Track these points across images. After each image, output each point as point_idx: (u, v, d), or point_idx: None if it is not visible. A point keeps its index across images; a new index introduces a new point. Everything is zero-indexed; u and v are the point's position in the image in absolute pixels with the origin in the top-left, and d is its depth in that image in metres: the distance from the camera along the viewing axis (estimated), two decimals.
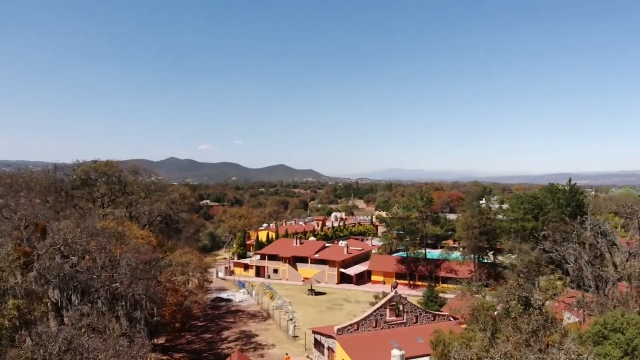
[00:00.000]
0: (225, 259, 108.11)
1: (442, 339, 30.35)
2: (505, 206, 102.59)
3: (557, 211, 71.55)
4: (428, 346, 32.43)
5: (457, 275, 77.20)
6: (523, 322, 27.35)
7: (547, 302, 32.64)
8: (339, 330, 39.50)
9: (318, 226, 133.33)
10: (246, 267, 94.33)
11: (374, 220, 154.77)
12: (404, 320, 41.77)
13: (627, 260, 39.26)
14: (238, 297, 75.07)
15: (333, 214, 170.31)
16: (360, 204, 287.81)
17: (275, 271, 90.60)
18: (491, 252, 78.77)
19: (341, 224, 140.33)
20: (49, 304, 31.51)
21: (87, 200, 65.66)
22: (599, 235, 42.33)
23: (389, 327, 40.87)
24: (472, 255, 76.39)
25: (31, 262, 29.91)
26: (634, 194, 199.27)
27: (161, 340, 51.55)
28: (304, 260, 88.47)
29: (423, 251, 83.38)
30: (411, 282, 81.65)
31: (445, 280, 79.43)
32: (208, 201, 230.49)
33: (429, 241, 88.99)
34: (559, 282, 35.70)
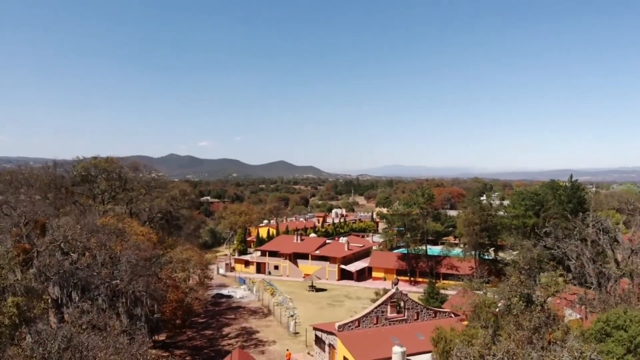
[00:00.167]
0: (226, 255, 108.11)
1: (443, 336, 30.24)
2: (506, 202, 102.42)
3: (558, 207, 71.38)
4: (429, 343, 32.35)
5: (458, 271, 77.21)
6: (525, 319, 27.24)
7: (549, 299, 32.50)
8: (340, 327, 39.42)
9: (319, 223, 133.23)
10: (247, 263, 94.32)
11: (374, 216, 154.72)
12: (405, 317, 41.69)
13: (629, 257, 39.12)
14: (239, 293, 75.06)
15: (334, 211, 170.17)
16: (361, 200, 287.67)
17: (276, 267, 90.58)
18: (492, 249, 78.63)
19: (342, 220, 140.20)
20: (49, 301, 31.43)
21: (87, 197, 65.57)
22: (601, 232, 42.13)
23: (390, 324, 40.79)
24: (473, 252, 76.25)
25: (31, 259, 29.80)
26: (634, 190, 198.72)
27: (162, 337, 51.54)
28: (304, 256, 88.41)
29: (424, 248, 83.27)
30: (412, 279, 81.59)
31: (446, 276, 79.40)
32: (208, 197, 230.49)
33: (430, 237, 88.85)
34: (560, 279, 35.58)
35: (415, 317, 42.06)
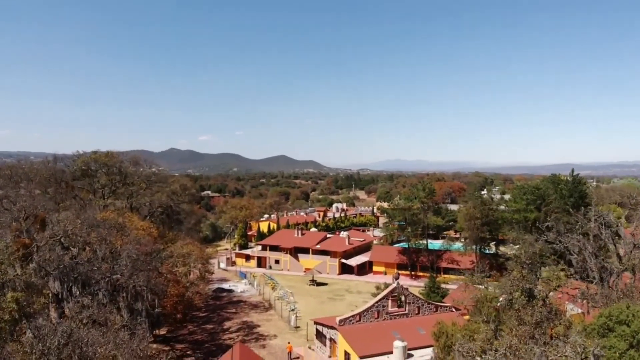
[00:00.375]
0: (226, 249, 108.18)
1: (444, 331, 30.16)
2: (507, 197, 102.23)
3: (559, 202, 71.18)
4: (430, 337, 32.28)
5: (458, 266, 77.13)
6: (527, 314, 27.13)
7: (551, 294, 32.39)
8: (340, 321, 39.39)
9: (319, 217, 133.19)
10: (248, 257, 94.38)
11: (375, 211, 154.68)
12: (406, 312, 41.65)
13: (631, 252, 38.96)
14: (240, 287, 75.12)
15: (334, 205, 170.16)
16: (362, 194, 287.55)
17: (277, 262, 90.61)
18: (493, 243, 78.56)
19: (342, 214, 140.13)
20: (49, 296, 31.37)
21: (88, 192, 65.44)
22: (603, 226, 41.95)
23: (391, 318, 40.76)
24: (473, 246, 76.17)
25: (31, 253, 29.68)
26: (636, 184, 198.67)
27: (163, 331, 51.60)
28: (305, 251, 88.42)
29: (424, 242, 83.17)
30: (412, 273, 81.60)
31: (446, 271, 79.39)
32: (209, 192, 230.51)
33: (431, 232, 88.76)
34: (561, 273, 35.43)
35: (416, 312, 42.02)
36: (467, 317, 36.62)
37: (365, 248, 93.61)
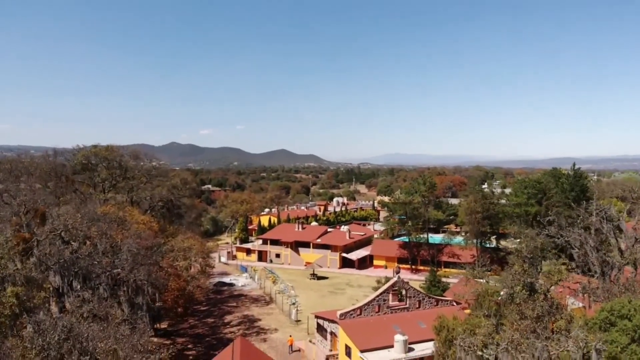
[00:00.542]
0: (227, 243, 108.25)
1: (445, 325, 30.10)
2: (507, 191, 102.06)
3: (560, 196, 71.01)
4: (431, 331, 32.23)
5: (459, 259, 77.17)
6: (528, 308, 27.09)
7: (552, 288, 32.34)
8: (341, 315, 39.37)
9: (320, 211, 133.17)
10: (248, 251, 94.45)
11: (375, 205, 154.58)
12: (407, 305, 41.62)
13: (633, 246, 38.87)
14: (240, 281, 75.22)
15: (335, 199, 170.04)
16: (362, 189, 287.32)
17: (278, 256, 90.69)
18: (494, 237, 78.52)
19: (343, 208, 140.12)
20: (50, 290, 31.34)
21: (88, 186, 65.39)
22: (604, 220, 41.84)
23: (391, 312, 40.73)
24: (474, 240, 76.13)
25: (31, 248, 29.62)
26: (636, 178, 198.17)
27: (164, 325, 51.68)
28: (306, 245, 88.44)
29: (425, 236, 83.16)
30: (413, 267, 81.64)
31: (447, 265, 79.43)
32: (210, 186, 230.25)
33: (431, 226, 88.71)
34: (562, 267, 35.37)
35: (417, 306, 41.99)
36: (468, 311, 36.61)
37: (365, 242, 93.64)
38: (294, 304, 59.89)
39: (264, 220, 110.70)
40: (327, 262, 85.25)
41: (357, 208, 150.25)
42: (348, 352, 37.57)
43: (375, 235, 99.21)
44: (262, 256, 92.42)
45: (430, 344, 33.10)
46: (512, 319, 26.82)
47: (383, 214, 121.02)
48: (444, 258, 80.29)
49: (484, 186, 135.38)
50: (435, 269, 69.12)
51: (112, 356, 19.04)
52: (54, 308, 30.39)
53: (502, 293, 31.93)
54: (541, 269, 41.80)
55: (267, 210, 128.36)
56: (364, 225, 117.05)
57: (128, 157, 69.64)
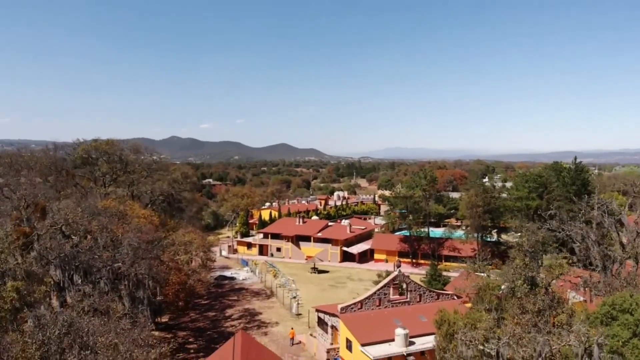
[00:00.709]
0: (228, 237, 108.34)
1: (446, 319, 30.05)
2: (508, 184, 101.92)
3: (562, 190, 70.91)
4: (432, 325, 32.21)
5: (460, 253, 77.24)
6: (529, 302, 27.05)
7: (553, 282, 32.30)
8: (342, 309, 39.40)
9: (321, 205, 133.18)
10: (249, 245, 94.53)
11: (376, 199, 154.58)
12: (408, 299, 41.64)
13: (634, 240, 38.78)
14: (241, 275, 75.34)
15: (336, 193, 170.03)
16: (363, 183, 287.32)
17: (279, 250, 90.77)
18: (495, 231, 78.46)
19: (344, 202, 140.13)
20: (51, 284, 31.35)
21: (88, 180, 65.34)
22: (606, 214, 41.72)
23: (392, 306, 40.75)
24: (475, 234, 76.08)
25: (31, 242, 29.58)
26: (638, 172, 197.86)
27: (165, 319, 51.79)
28: (306, 239, 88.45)
29: (426, 230, 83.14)
30: (414, 261, 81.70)
31: (448, 258, 79.47)
32: (210, 180, 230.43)
33: (432, 220, 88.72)
34: (563, 261, 35.31)
35: (418, 299, 42.01)
36: (469, 304, 36.61)
37: (366, 236, 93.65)
38: (294, 297, 59.97)
39: (265, 214, 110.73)
40: (327, 256, 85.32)
41: (357, 202, 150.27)
42: (349, 345, 37.64)
43: (376, 229, 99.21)
44: (263, 250, 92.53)
45: (431, 338, 33.12)
46: (513, 313, 26.81)
47: (384, 208, 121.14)
48: (445, 252, 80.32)
49: (485, 180, 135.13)
50: (436, 263, 69.19)
51: (112, 350, 19.02)
52: (55, 302, 30.41)
53: (503, 287, 31.90)
54: (542, 263, 41.79)
55: (267, 204, 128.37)
56: (365, 219, 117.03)
57: (128, 151, 69.54)
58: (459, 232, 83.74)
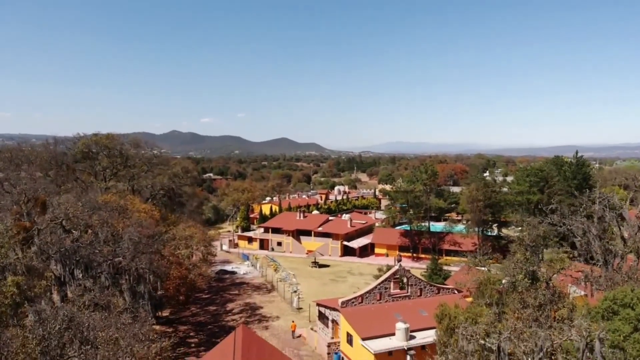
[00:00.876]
0: (229, 232, 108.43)
1: (447, 313, 30.02)
2: (509, 179, 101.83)
3: (563, 184, 70.79)
4: (433, 319, 32.19)
5: (460, 248, 77.25)
6: (530, 297, 27.01)
7: (554, 276, 32.25)
8: (343, 303, 39.43)
9: (321, 200, 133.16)
10: (250, 240, 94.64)
11: (377, 193, 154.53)
12: (408, 294, 41.65)
13: (635, 234, 38.69)
14: (242, 269, 75.44)
15: (336, 188, 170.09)
16: (364, 177, 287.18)
17: (279, 244, 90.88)
18: (495, 225, 78.43)
19: (344, 197, 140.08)
20: (52, 278, 31.37)
21: (89, 174, 65.30)
22: (607, 209, 41.59)
23: (393, 300, 40.77)
24: (476, 228, 76.09)
25: (31, 237, 29.55)
26: (638, 166, 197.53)
27: (166, 313, 51.91)
28: (307, 233, 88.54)
29: (426, 224, 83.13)
30: (414, 255, 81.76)
31: (448, 253, 79.51)
32: (211, 174, 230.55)
33: (433, 214, 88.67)
34: (564, 255, 35.26)
35: (419, 294, 42.01)
36: (469, 299, 36.58)
37: (367, 230, 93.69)
38: (295, 291, 60.08)
39: (266, 209, 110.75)
40: (328, 250, 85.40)
41: (358, 196, 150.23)
42: (349, 339, 37.70)
43: (377, 224, 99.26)
44: (263, 244, 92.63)
45: (432, 332, 33.15)
46: (514, 307, 26.77)
47: (384, 203, 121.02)
48: (446, 246, 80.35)
49: (485, 174, 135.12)
50: (436, 257, 69.22)
51: (113, 345, 19.01)
52: (56, 297, 30.43)
53: (504, 281, 31.85)
54: (543, 258, 41.74)
55: (268, 198, 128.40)
56: (366, 213, 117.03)
57: (129, 145, 69.46)
58: (460, 227, 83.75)
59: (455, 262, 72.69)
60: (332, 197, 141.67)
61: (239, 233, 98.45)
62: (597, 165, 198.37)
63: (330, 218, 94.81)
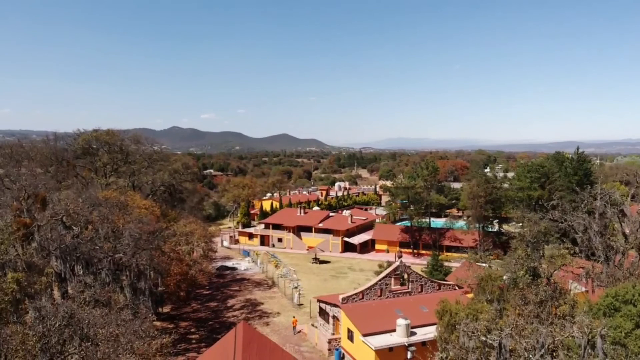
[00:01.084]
0: (229, 228, 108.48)
1: (448, 309, 29.99)
2: (510, 175, 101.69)
3: (564, 180, 70.61)
4: (433, 315, 32.16)
5: (461, 244, 77.25)
6: (531, 293, 26.97)
7: (555, 272, 32.20)
8: (343, 299, 39.41)
9: (322, 196, 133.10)
10: (251, 236, 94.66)
11: (377, 189, 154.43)
12: (409, 290, 41.63)
13: (637, 230, 38.60)
14: (243, 265, 75.49)
15: (337, 184, 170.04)
16: (364, 173, 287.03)
17: (280, 240, 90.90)
18: (496, 221, 78.36)
19: (345, 193, 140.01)
20: (52, 275, 31.35)
21: (89, 170, 65.21)
22: (609, 205, 41.50)
23: (393, 296, 40.76)
24: (476, 224, 76.03)
25: (32, 233, 29.50)
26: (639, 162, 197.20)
27: (167, 309, 51.96)
28: (308, 229, 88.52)
29: (427, 220, 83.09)
30: (415, 251, 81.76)
31: (449, 249, 79.51)
32: (212, 170, 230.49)
33: (433, 210, 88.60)
34: (565, 251, 35.18)
35: (419, 290, 42.00)
36: (470, 295, 36.55)
37: (367, 226, 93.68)
38: (296, 287, 60.12)
39: (266, 205, 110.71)
40: (329, 246, 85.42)
41: (359, 192, 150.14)
42: (350, 335, 37.71)
43: (377, 220, 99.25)
44: (264, 240, 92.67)
45: (433, 328, 33.11)
46: (515, 303, 26.74)
47: (385, 199, 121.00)
48: (446, 242, 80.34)
49: (486, 170, 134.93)
50: (437, 253, 69.13)
51: (113, 342, 18.99)
52: (57, 293, 30.40)
53: (504, 278, 31.81)
54: (544, 254, 41.68)
55: (269, 194, 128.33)
56: (366, 209, 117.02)
57: (129, 141, 69.32)
58: (461, 223, 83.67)
59: (456, 258, 72.67)
60: (332, 193, 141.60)
61: (240, 229, 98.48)
62: (598, 161, 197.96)
63: (331, 214, 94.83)
